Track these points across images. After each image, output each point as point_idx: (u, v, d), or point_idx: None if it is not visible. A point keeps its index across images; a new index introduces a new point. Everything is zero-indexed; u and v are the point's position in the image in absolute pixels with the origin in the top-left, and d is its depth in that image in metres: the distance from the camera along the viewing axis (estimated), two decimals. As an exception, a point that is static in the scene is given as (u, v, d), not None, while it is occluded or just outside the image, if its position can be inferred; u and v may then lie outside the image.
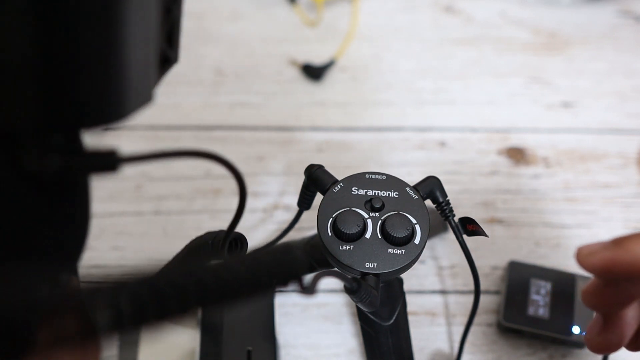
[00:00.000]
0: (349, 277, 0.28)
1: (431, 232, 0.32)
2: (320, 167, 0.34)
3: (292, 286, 0.28)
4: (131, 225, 0.50)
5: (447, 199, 0.34)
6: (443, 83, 0.61)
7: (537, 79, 0.62)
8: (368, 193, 0.32)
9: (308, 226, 0.42)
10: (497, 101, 0.60)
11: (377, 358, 0.38)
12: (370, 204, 0.32)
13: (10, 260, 0.23)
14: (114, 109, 0.23)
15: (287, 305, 0.46)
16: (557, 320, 0.43)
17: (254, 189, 0.52)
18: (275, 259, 0.27)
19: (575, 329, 0.42)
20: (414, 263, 0.31)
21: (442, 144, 0.56)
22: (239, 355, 0.39)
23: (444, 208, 0.33)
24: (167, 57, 0.27)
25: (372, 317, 0.34)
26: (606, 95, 0.60)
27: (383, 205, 0.32)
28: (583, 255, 0.26)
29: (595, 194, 0.52)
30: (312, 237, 0.41)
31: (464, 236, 0.34)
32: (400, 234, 0.30)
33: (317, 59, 0.62)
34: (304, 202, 0.36)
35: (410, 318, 0.38)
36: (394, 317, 0.35)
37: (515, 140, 0.56)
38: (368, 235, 0.31)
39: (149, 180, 0.52)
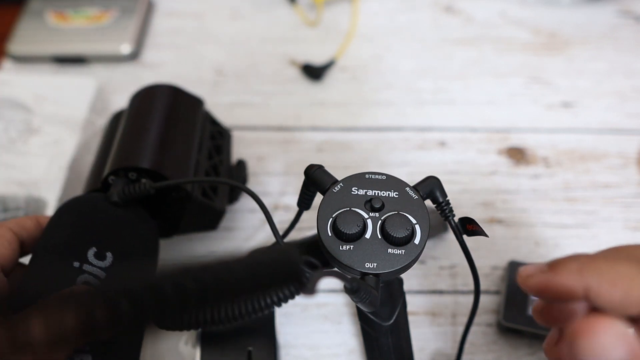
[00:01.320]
0: (349, 277, 0.28)
1: (431, 232, 0.32)
2: (320, 167, 0.34)
3: (292, 286, 0.28)
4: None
5: (447, 199, 0.34)
6: (443, 83, 0.61)
7: (537, 79, 0.62)
8: (368, 193, 0.32)
9: (308, 226, 0.42)
10: (497, 101, 0.60)
11: (377, 358, 0.38)
12: (370, 204, 0.31)
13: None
14: None
15: (287, 305, 0.46)
16: (557, 320, 0.43)
17: (254, 189, 0.52)
18: (274, 259, 0.27)
19: (575, 329, 0.42)
20: (414, 263, 0.31)
21: (442, 144, 0.56)
22: (240, 355, 0.39)
23: (444, 208, 0.33)
24: None
25: (372, 317, 0.34)
26: (606, 95, 0.60)
27: (383, 205, 0.31)
28: (522, 278, 0.27)
29: (595, 194, 0.52)
30: (312, 237, 0.41)
31: (464, 236, 0.33)
32: (400, 234, 0.30)
33: (317, 59, 0.62)
34: (304, 202, 0.36)
35: (410, 318, 0.38)
36: (394, 317, 0.35)
37: (515, 140, 0.56)
38: (368, 235, 0.31)
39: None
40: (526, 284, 0.26)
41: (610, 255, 0.25)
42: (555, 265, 0.25)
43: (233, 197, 0.48)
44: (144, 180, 0.38)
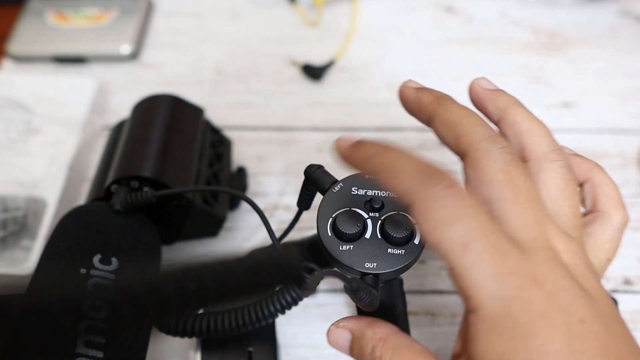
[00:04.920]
0: (349, 277, 0.28)
1: (431, 232, 0.32)
2: (320, 167, 0.34)
3: (293, 291, 0.28)
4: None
5: (447, 199, 0.34)
6: (443, 83, 0.61)
7: (537, 79, 0.61)
8: (368, 193, 0.32)
9: (308, 226, 0.42)
10: (497, 101, 0.60)
11: (377, 358, 0.38)
12: (370, 204, 0.31)
13: None
14: None
15: (287, 305, 0.46)
16: (557, 320, 0.43)
17: (254, 189, 0.52)
18: (274, 259, 0.27)
19: (575, 329, 0.42)
20: (414, 263, 0.31)
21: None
22: (240, 356, 0.39)
23: (443, 208, 0.33)
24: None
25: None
26: (606, 95, 0.60)
27: (383, 205, 0.31)
28: (337, 142, 0.30)
29: (596, 194, 0.52)
30: (312, 237, 0.41)
31: (464, 236, 0.33)
32: (400, 234, 0.30)
33: (317, 59, 0.62)
34: (304, 202, 0.36)
35: (410, 318, 0.38)
36: (394, 317, 0.35)
37: (515, 140, 0.56)
38: (368, 235, 0.31)
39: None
40: (336, 149, 0.30)
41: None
42: (359, 143, 0.29)
43: (234, 203, 0.49)
44: (145, 188, 0.38)
